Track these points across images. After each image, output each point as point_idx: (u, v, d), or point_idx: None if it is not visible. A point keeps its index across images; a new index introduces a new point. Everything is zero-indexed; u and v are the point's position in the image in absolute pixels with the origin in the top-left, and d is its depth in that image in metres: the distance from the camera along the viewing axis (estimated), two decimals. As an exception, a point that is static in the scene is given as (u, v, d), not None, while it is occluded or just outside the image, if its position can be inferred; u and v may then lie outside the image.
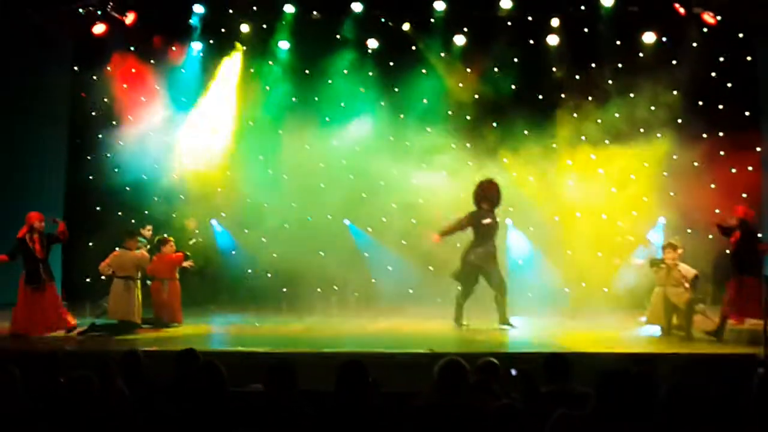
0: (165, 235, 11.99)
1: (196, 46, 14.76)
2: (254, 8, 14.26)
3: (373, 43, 14.54)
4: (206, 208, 14.26)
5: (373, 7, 14.14)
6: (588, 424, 3.95)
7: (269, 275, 14.20)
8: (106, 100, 14.54)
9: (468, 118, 14.49)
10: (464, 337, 10.68)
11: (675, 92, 13.57)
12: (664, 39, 13.89)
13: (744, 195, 12.75)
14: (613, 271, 12.94)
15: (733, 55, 13.79)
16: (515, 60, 14.27)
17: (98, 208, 14.42)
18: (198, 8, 14.25)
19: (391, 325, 11.62)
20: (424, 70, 14.49)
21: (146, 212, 13.93)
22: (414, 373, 6.88)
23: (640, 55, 13.98)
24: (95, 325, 10.75)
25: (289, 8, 14.21)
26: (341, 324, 11.83)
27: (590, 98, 13.79)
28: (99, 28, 13.64)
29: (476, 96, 14.49)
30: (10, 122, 13.53)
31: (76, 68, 14.58)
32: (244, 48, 14.73)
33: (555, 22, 14.02)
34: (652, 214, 13.29)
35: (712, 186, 12.93)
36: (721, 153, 13.27)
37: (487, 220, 11.22)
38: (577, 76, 14.05)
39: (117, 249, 11.10)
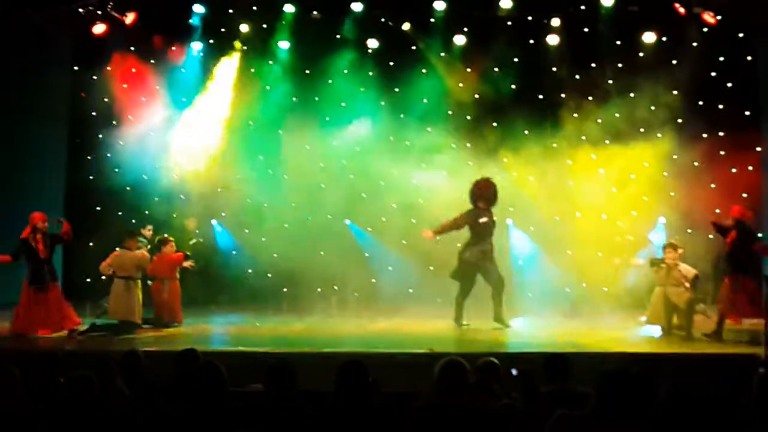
0: (165, 235, 11.98)
1: (196, 46, 14.76)
2: (254, 8, 14.25)
3: (373, 43, 14.54)
4: (206, 208, 14.28)
5: (373, 7, 14.14)
6: (588, 424, 3.95)
7: (269, 275, 14.19)
8: (106, 100, 14.54)
9: (468, 117, 14.50)
10: (464, 336, 10.67)
11: (675, 92, 13.57)
12: (664, 39, 13.89)
13: (744, 195, 12.75)
14: (614, 271, 12.95)
15: (733, 54, 13.78)
16: (515, 60, 14.28)
17: (98, 208, 14.42)
18: (198, 8, 14.25)
19: (392, 325, 11.62)
20: (424, 70, 14.49)
21: (146, 212, 13.93)
22: (414, 373, 6.88)
23: (641, 54, 13.98)
24: (96, 325, 10.75)
25: (289, 8, 14.21)
26: (341, 324, 11.83)
27: (590, 98, 13.79)
28: (99, 28, 13.64)
29: (476, 96, 14.50)
30: (10, 122, 13.53)
31: (76, 68, 14.60)
32: (245, 48, 14.73)
33: (555, 22, 14.02)
34: (652, 214, 13.30)
35: (713, 186, 12.93)
36: (722, 153, 13.27)
37: (484, 219, 11.22)
38: (578, 76, 14.05)
39: (117, 249, 11.10)
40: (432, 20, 14.20)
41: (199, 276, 12.81)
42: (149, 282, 11.64)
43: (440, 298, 12.44)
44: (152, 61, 14.64)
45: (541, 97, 14.28)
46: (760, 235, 12.67)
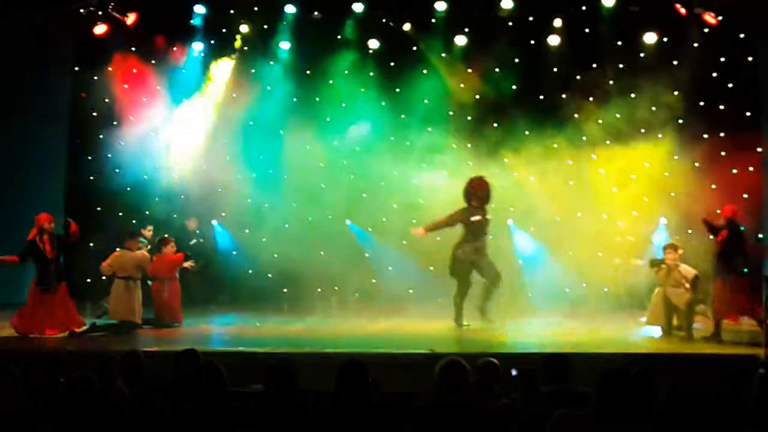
0: (165, 236, 11.99)
1: (197, 47, 14.74)
2: (255, 9, 14.24)
3: (374, 44, 14.54)
4: (207, 208, 14.27)
5: (373, 8, 14.14)
6: (588, 424, 3.96)
7: (270, 275, 14.18)
8: (106, 100, 14.52)
9: (469, 118, 14.49)
10: (464, 337, 10.67)
11: (676, 92, 13.56)
12: (665, 39, 13.87)
13: (745, 195, 12.75)
14: (614, 271, 12.95)
15: (734, 55, 13.76)
16: (516, 60, 14.26)
17: (99, 209, 14.38)
18: (199, 9, 14.24)
19: (392, 325, 11.62)
20: (425, 71, 14.47)
21: (147, 212, 13.93)
22: (414, 373, 6.89)
23: (641, 55, 13.97)
24: (96, 326, 10.76)
25: (290, 9, 14.21)
26: (341, 324, 11.83)
27: (591, 98, 13.78)
28: (100, 29, 13.63)
29: (477, 96, 14.49)
30: (11, 122, 13.55)
31: (76, 68, 14.57)
32: (245, 48, 14.73)
33: (556, 23, 14.02)
34: (652, 215, 13.29)
35: (713, 186, 12.91)
36: (722, 153, 13.24)
37: (477, 217, 11.22)
38: (578, 77, 14.01)
39: (118, 249, 11.12)
40: (433, 21, 14.18)
41: (199, 276, 12.80)
42: (149, 282, 11.65)
43: (441, 298, 12.43)
44: (153, 62, 14.63)
45: (541, 97, 14.25)
46: (760, 236, 12.72)
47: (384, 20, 14.43)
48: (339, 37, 14.39)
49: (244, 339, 10.18)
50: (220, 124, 14.63)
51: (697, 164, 13.33)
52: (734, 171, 13.17)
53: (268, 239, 14.07)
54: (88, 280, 12.97)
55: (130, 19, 13.84)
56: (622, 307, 12.81)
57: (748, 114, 13.69)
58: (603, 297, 13.08)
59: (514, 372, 5.77)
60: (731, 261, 9.98)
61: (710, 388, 4.97)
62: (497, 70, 14.26)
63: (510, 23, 14.08)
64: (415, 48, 14.46)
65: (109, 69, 14.38)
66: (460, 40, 14.43)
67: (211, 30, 14.62)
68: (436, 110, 14.36)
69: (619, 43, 13.95)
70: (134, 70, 14.56)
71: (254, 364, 6.32)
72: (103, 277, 11.59)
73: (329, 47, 14.37)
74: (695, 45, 13.57)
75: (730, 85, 13.83)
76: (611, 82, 13.85)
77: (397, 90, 14.44)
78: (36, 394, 5.07)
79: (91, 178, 14.48)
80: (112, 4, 13.48)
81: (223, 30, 14.66)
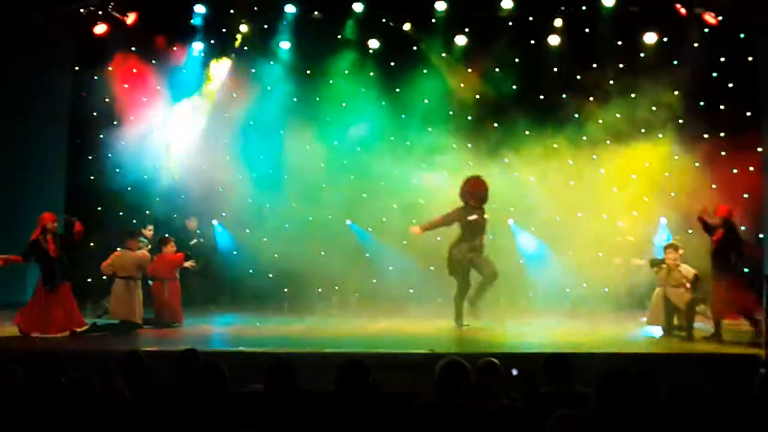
0: (166, 235, 11.99)
1: (198, 47, 14.75)
2: (255, 8, 14.26)
3: (374, 44, 14.56)
4: (207, 208, 14.27)
5: (374, 8, 14.16)
6: (588, 424, 3.96)
7: (270, 275, 14.19)
8: (107, 100, 14.53)
9: (469, 118, 14.51)
10: (465, 337, 10.66)
11: (676, 92, 13.57)
12: (665, 39, 13.89)
13: (745, 195, 12.76)
14: (614, 271, 12.96)
15: (734, 55, 13.78)
16: (516, 60, 14.28)
17: (99, 209, 14.38)
18: (199, 8, 14.25)
19: (392, 325, 11.61)
20: (425, 71, 14.49)
21: (147, 212, 13.95)
22: (415, 373, 6.89)
23: (642, 55, 13.99)
24: (97, 326, 10.76)
25: (290, 8, 14.23)
26: (342, 324, 11.81)
27: (591, 98, 13.79)
28: (100, 28, 13.65)
29: (477, 96, 14.50)
30: (11, 122, 13.53)
31: (77, 68, 14.59)
32: (245, 48, 14.73)
33: (556, 23, 14.03)
34: (652, 215, 13.30)
35: (713, 186, 12.91)
36: (722, 153, 13.25)
37: (473, 217, 11.21)
38: (579, 77, 14.02)
39: (118, 249, 11.10)
40: (433, 20, 14.21)
41: (199, 276, 12.80)
42: (150, 282, 11.64)
43: (441, 298, 12.44)
44: (153, 62, 14.64)
45: (542, 97, 14.27)
46: (761, 236, 12.71)
47: (384, 20, 14.44)
48: (339, 36, 14.41)
49: (244, 339, 10.16)
50: (220, 124, 14.64)
51: (697, 164, 13.33)
52: (734, 171, 13.17)
53: (268, 239, 14.09)
54: (89, 280, 12.97)
55: (130, 18, 13.86)
56: (622, 307, 12.82)
57: (748, 114, 13.71)
58: (603, 297, 13.08)
59: (514, 372, 5.77)
60: (727, 260, 9.97)
61: (710, 388, 4.97)
62: (497, 70, 14.28)
63: (510, 23, 14.10)
64: (415, 48, 14.49)
65: (110, 69, 14.40)
66: (461, 40, 14.44)
67: (212, 30, 14.63)
68: (437, 110, 14.37)
69: (620, 43, 13.97)
70: (134, 70, 14.57)
71: (254, 364, 6.30)
72: (104, 277, 11.58)
73: (329, 47, 14.39)
74: (695, 45, 13.59)
75: (730, 85, 13.86)
76: (611, 82, 13.86)
77: (398, 90, 14.45)
78: (37, 394, 5.07)
79: (92, 177, 14.48)
80: (112, 3, 13.49)
81: (223, 30, 14.67)
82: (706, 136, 13.50)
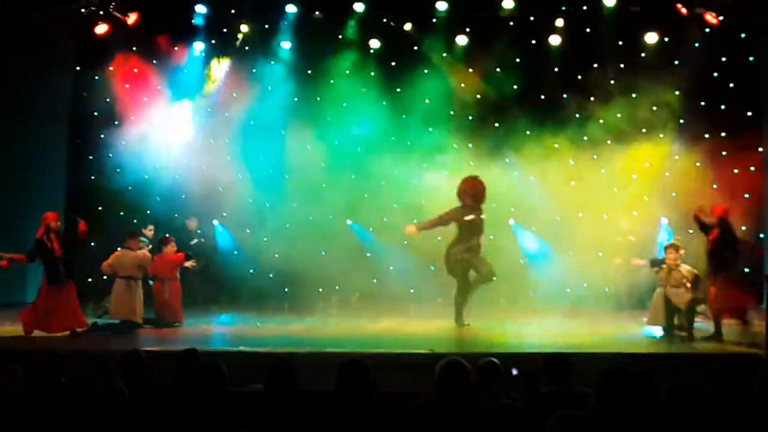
0: (166, 235, 11.99)
1: (198, 46, 14.75)
2: (256, 8, 14.26)
3: (375, 44, 14.56)
4: (208, 207, 14.27)
5: (375, 8, 14.15)
6: (588, 424, 3.95)
7: (271, 275, 14.20)
8: (107, 100, 14.53)
9: (470, 118, 14.51)
10: (465, 337, 10.67)
11: (677, 92, 13.57)
12: (666, 39, 13.87)
13: (746, 195, 12.75)
14: (615, 271, 12.95)
15: (735, 55, 13.77)
16: (517, 60, 14.27)
17: (100, 208, 14.38)
18: (200, 8, 14.24)
19: (393, 325, 11.61)
20: (426, 71, 14.49)
21: (148, 212, 13.95)
22: (415, 373, 6.88)
23: (642, 55, 13.98)
24: (97, 325, 10.76)
25: (291, 8, 14.22)
26: (342, 324, 11.82)
27: (592, 98, 13.79)
28: (101, 28, 13.64)
29: (478, 96, 14.51)
30: (11, 122, 13.55)
31: (78, 68, 14.61)
32: (246, 48, 14.74)
33: (557, 22, 14.02)
34: (653, 215, 13.30)
35: (714, 186, 12.91)
36: (723, 153, 13.25)
37: (470, 217, 11.22)
38: (579, 76, 14.03)
39: (119, 249, 11.11)
40: (434, 21, 14.20)
41: (200, 276, 12.81)
42: (150, 282, 11.65)
43: (441, 298, 12.45)
44: (154, 61, 14.65)
45: (543, 97, 14.26)
46: (761, 236, 12.70)
47: (385, 20, 14.44)
48: (340, 36, 14.41)
49: (244, 339, 10.16)
50: (220, 124, 14.63)
51: (698, 164, 13.32)
52: (735, 171, 13.16)
53: (269, 239, 14.10)
54: (90, 280, 12.97)
55: (131, 18, 13.85)
56: (622, 307, 12.82)
57: (749, 114, 13.72)
58: (603, 297, 13.07)
59: (514, 372, 5.76)
60: (722, 260, 9.98)
61: (710, 388, 4.96)
62: (498, 69, 14.28)
63: (511, 23, 14.08)
64: (416, 48, 14.49)
65: (110, 69, 14.41)
66: (461, 40, 14.44)
67: (212, 29, 14.62)
68: (437, 110, 14.37)
69: (620, 43, 13.97)
70: (135, 70, 14.58)
71: (254, 364, 6.31)
72: (104, 277, 11.58)
73: (330, 47, 14.39)
74: (696, 45, 13.57)
75: (731, 85, 13.85)
76: (612, 82, 13.86)
77: (398, 90, 14.45)
78: (37, 394, 5.07)
79: (92, 177, 14.50)
80: (113, 3, 13.49)
81: (224, 30, 14.67)
82: (706, 136, 13.49)
